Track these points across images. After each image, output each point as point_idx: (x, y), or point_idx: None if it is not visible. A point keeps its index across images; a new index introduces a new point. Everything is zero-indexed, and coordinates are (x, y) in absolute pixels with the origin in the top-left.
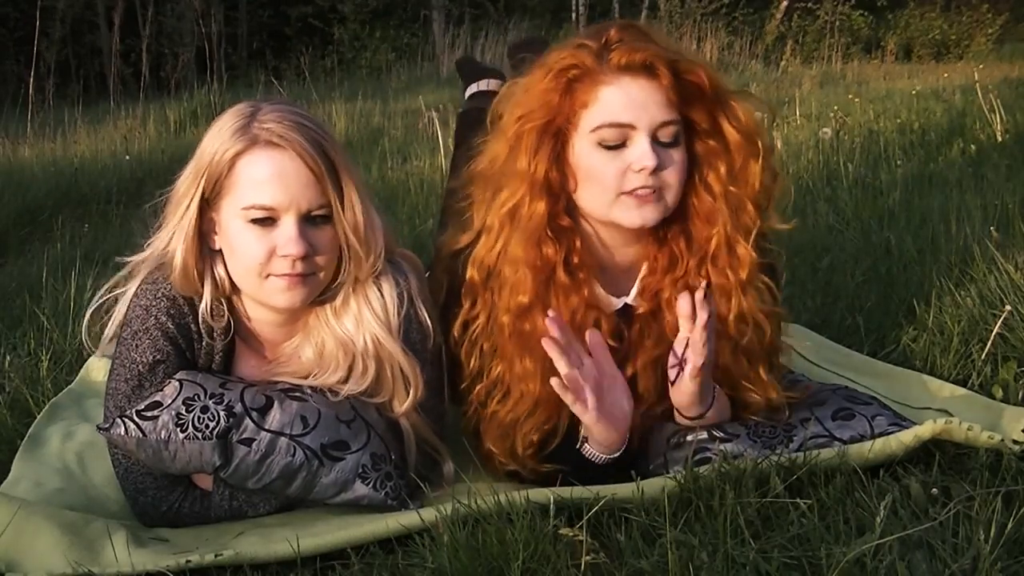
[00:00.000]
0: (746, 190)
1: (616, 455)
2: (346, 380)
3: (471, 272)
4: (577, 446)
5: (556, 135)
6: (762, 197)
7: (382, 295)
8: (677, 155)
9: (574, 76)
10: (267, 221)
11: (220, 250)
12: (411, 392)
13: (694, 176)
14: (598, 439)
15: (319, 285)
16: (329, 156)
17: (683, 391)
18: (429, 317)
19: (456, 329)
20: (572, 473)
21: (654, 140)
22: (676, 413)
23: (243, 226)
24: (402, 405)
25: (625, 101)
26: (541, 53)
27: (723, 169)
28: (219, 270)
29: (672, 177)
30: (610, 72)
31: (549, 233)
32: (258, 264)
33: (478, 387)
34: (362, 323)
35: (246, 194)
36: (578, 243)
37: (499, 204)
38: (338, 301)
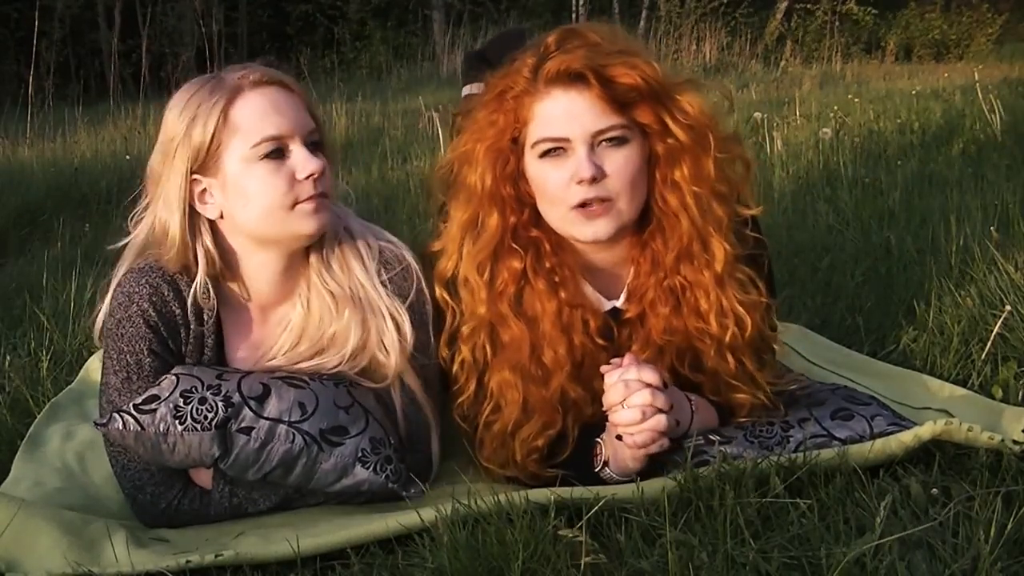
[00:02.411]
0: (707, 185)
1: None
2: (329, 348)
3: (438, 289)
4: (596, 470)
5: (509, 151)
6: (724, 187)
7: (365, 247)
8: (623, 160)
9: (513, 96)
10: (278, 152)
11: (213, 221)
12: (401, 341)
13: (657, 175)
14: (631, 470)
15: (330, 209)
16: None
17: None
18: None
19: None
20: (578, 480)
21: (594, 149)
22: None
23: (256, 166)
24: (391, 357)
25: (557, 115)
26: (503, 58)
27: (686, 166)
28: (208, 243)
29: (619, 183)
30: (542, 86)
31: (514, 245)
32: (282, 195)
33: (460, 399)
34: (348, 270)
35: (250, 133)
36: (548, 248)
37: (454, 220)
38: (324, 253)
